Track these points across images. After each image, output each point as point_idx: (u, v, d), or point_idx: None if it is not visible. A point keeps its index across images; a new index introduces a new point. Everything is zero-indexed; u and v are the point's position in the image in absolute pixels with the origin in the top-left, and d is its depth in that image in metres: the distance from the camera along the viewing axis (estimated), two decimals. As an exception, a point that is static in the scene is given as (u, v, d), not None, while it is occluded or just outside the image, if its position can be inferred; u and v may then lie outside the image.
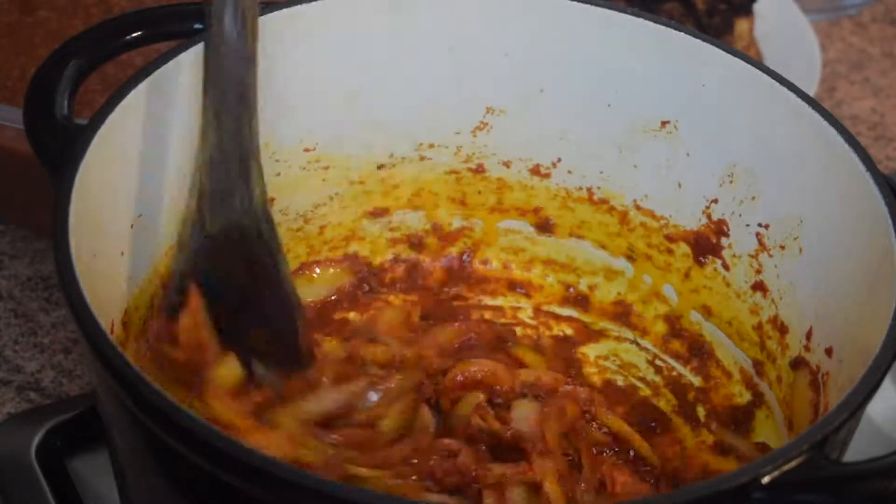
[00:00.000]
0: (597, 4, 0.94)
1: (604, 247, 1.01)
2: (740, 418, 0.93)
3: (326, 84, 0.94)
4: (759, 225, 0.93)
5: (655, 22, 0.94)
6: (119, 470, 0.81)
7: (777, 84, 0.90)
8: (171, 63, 0.85)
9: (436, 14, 0.95)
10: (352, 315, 0.99)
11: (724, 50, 0.92)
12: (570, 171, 1.00)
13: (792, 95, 0.89)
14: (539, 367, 0.95)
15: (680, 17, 1.28)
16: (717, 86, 0.93)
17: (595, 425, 0.90)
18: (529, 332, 1.01)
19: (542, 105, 0.98)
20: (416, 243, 1.02)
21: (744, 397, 0.94)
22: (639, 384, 0.98)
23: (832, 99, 1.43)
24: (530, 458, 0.83)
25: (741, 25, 1.30)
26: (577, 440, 0.88)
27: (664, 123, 0.96)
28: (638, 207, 0.99)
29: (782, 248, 0.91)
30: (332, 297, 1.00)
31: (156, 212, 0.86)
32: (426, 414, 0.87)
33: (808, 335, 0.88)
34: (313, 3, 0.92)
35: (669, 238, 0.98)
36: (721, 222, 0.95)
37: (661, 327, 1.00)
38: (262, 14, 0.89)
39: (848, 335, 0.83)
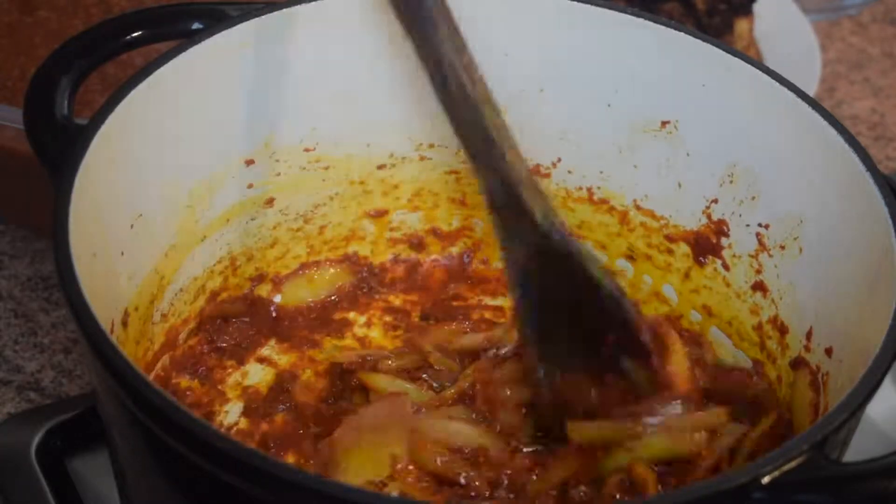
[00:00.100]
0: (597, 4, 0.94)
1: (604, 247, 1.01)
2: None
3: (326, 84, 0.94)
4: (759, 225, 0.93)
5: (655, 22, 0.94)
6: (119, 470, 0.81)
7: (777, 84, 0.90)
8: (171, 63, 0.85)
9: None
10: (352, 315, 0.99)
11: (724, 50, 0.92)
12: (570, 171, 1.00)
13: (792, 95, 0.89)
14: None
15: (680, 17, 1.28)
16: (717, 86, 0.93)
17: None
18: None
19: (542, 105, 0.98)
20: (416, 243, 1.02)
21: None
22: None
23: (832, 99, 1.43)
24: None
25: (741, 25, 1.30)
26: None
27: (664, 123, 0.96)
28: (638, 207, 0.99)
29: (782, 247, 0.91)
30: (332, 297, 1.00)
31: (156, 212, 0.86)
32: None
33: (808, 335, 0.88)
34: (313, 3, 0.92)
35: (669, 238, 0.98)
36: (721, 222, 0.95)
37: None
38: (262, 14, 0.90)
39: (848, 335, 0.83)
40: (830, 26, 1.54)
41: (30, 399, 1.02)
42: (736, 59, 0.92)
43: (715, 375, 0.92)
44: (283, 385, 0.93)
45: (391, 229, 1.01)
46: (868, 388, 0.71)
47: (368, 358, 0.92)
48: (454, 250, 1.03)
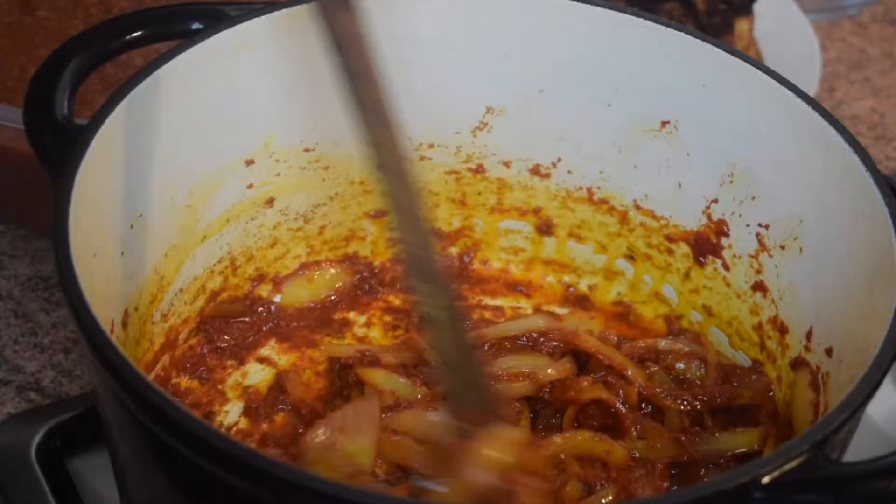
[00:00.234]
0: (597, 4, 0.94)
1: (604, 247, 1.01)
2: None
3: (327, 84, 0.94)
4: (760, 225, 0.93)
5: (655, 22, 0.94)
6: (119, 470, 0.81)
7: (777, 84, 0.90)
8: (171, 63, 0.85)
9: (435, 14, 0.95)
10: (352, 315, 0.99)
11: (724, 50, 0.92)
12: (570, 171, 1.00)
13: (792, 95, 0.89)
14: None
15: (680, 17, 1.28)
16: (717, 86, 0.93)
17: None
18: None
19: (542, 105, 0.98)
20: (415, 243, 1.02)
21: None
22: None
23: (832, 99, 1.43)
24: None
25: (741, 25, 1.30)
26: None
27: (664, 123, 0.96)
28: (638, 207, 0.99)
29: (782, 248, 0.91)
30: (332, 297, 1.00)
31: (156, 212, 0.86)
32: None
33: (808, 335, 0.88)
34: (313, 2, 0.92)
35: (669, 238, 0.98)
36: (721, 222, 0.95)
37: (661, 327, 1.00)
38: (262, 14, 0.90)
39: (848, 335, 0.83)
40: (830, 26, 1.54)
41: (30, 399, 1.02)
42: (736, 59, 0.91)
43: (717, 374, 0.92)
44: (283, 385, 0.93)
45: (391, 229, 1.01)
46: (868, 388, 0.71)
47: (367, 353, 0.92)
48: (454, 250, 1.03)
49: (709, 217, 0.96)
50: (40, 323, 1.08)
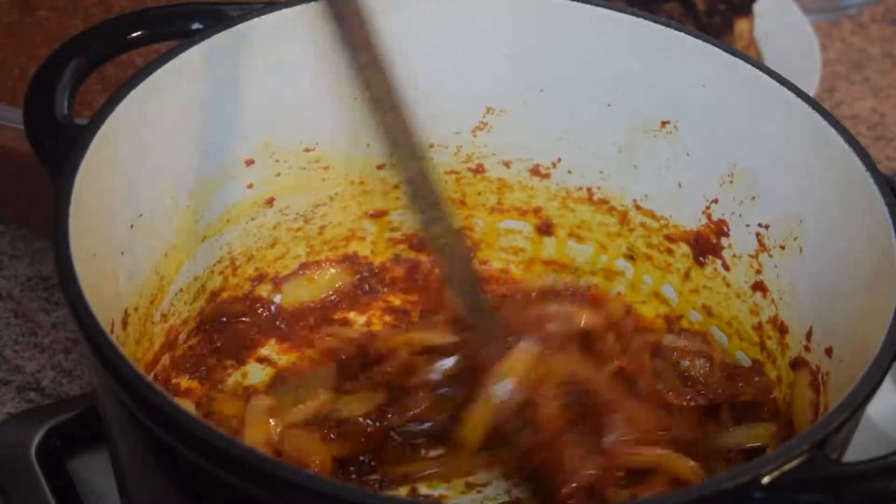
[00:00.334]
0: (597, 4, 0.94)
1: (604, 247, 1.01)
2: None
3: (327, 84, 0.94)
4: (759, 225, 0.93)
5: (655, 22, 0.94)
6: (119, 470, 0.81)
7: (777, 84, 0.90)
8: (171, 63, 0.85)
9: (435, 14, 0.95)
10: (352, 315, 0.99)
11: (724, 50, 0.92)
12: (570, 171, 1.00)
13: (792, 95, 0.89)
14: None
15: (680, 17, 1.28)
16: (717, 86, 0.93)
17: None
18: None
19: (542, 105, 0.98)
20: (416, 243, 1.02)
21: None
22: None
23: (832, 99, 1.43)
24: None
25: (741, 25, 1.30)
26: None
27: (664, 123, 0.96)
28: (638, 207, 0.99)
29: (782, 248, 0.91)
30: (332, 297, 1.00)
31: (156, 212, 0.86)
32: None
33: (808, 335, 0.88)
34: (313, 3, 0.92)
35: (669, 238, 0.98)
36: (721, 222, 0.95)
37: (661, 327, 1.00)
38: (262, 14, 0.90)
39: (848, 335, 0.83)
40: (830, 26, 1.54)
41: (30, 399, 1.02)
42: (736, 59, 0.91)
43: (721, 372, 0.92)
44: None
45: (391, 229, 1.01)
46: (868, 388, 0.71)
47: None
48: (454, 250, 1.03)
49: (709, 217, 0.96)
50: (40, 323, 1.08)
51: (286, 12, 0.90)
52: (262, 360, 0.95)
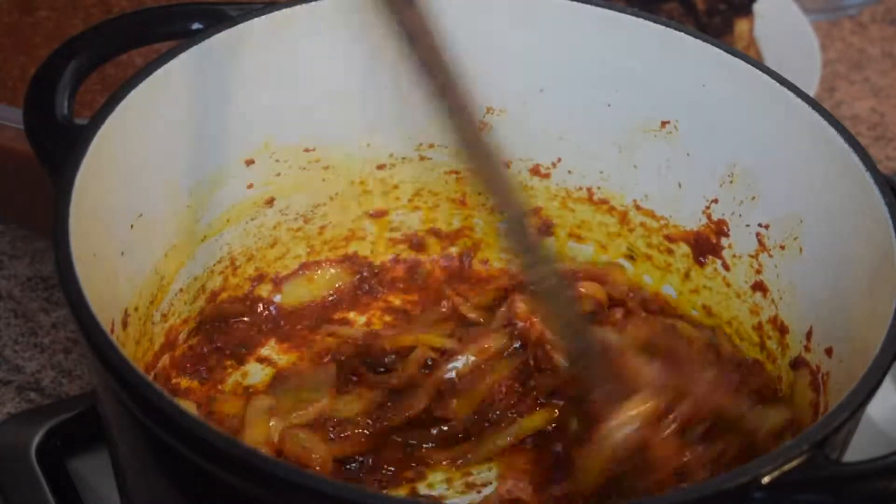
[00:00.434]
0: (597, 4, 0.94)
1: (604, 247, 1.01)
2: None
3: (326, 84, 0.94)
4: (759, 225, 0.93)
5: (655, 22, 0.94)
6: (119, 470, 0.81)
7: (777, 84, 0.90)
8: (171, 63, 0.85)
9: (435, 14, 0.95)
10: (352, 315, 0.99)
11: (724, 50, 0.92)
12: (570, 171, 1.00)
13: (792, 95, 0.89)
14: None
15: (680, 17, 1.28)
16: (717, 86, 0.93)
17: None
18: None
19: (542, 105, 0.98)
20: (416, 243, 1.02)
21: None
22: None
23: (832, 99, 1.43)
24: None
25: (741, 25, 1.30)
26: None
27: (664, 123, 0.96)
28: (638, 207, 0.99)
29: (782, 248, 0.91)
30: (332, 297, 1.00)
31: (156, 212, 0.86)
32: None
33: (808, 335, 0.88)
34: (313, 2, 0.92)
35: (669, 238, 0.98)
36: (721, 222, 0.95)
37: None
38: (262, 14, 0.90)
39: (848, 335, 0.83)
40: (830, 26, 1.54)
41: (30, 399, 1.02)
42: (736, 59, 0.91)
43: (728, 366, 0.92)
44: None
45: (391, 229, 1.01)
46: (868, 388, 0.71)
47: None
48: (454, 250, 1.03)
49: (709, 217, 0.96)
50: (40, 323, 1.08)
51: (286, 12, 0.90)
52: (262, 360, 0.95)
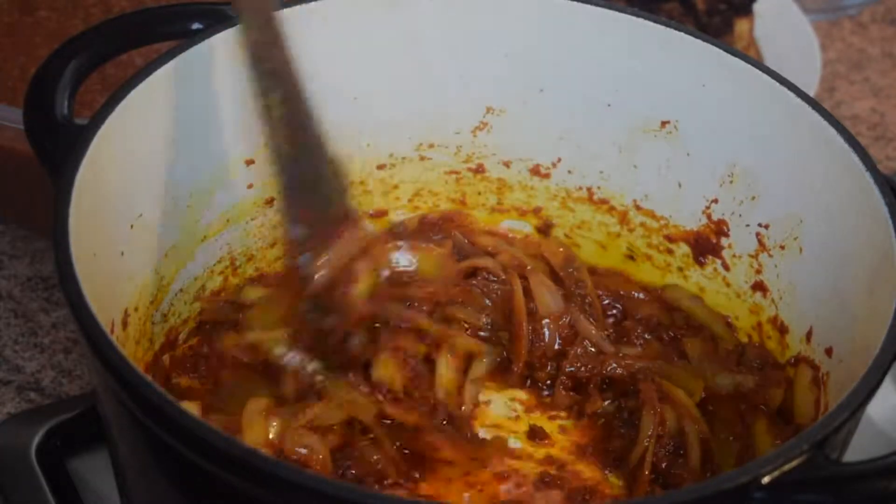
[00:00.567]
0: (597, 4, 0.94)
1: (604, 247, 1.01)
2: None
3: (326, 84, 0.94)
4: (759, 225, 0.93)
5: (655, 22, 0.94)
6: (119, 470, 0.81)
7: (777, 84, 0.90)
8: (170, 64, 0.85)
9: (436, 14, 0.95)
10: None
11: (724, 50, 0.92)
12: (570, 171, 1.00)
13: (792, 95, 0.89)
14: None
15: (680, 17, 1.28)
16: (717, 86, 0.93)
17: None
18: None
19: (542, 105, 0.98)
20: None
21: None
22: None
23: (832, 99, 1.43)
24: None
25: (741, 25, 1.30)
26: None
27: (664, 123, 0.96)
28: (638, 207, 0.99)
29: (782, 248, 0.91)
30: (332, 297, 1.00)
31: (156, 212, 0.86)
32: None
33: (808, 335, 0.88)
34: (313, 2, 0.92)
35: (669, 238, 0.98)
36: (721, 222, 0.95)
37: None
38: (262, 14, 0.89)
39: (848, 335, 0.83)
40: (830, 26, 1.54)
41: (30, 399, 1.02)
42: (736, 59, 0.91)
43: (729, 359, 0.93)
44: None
45: (391, 229, 1.01)
46: (868, 388, 0.71)
47: None
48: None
49: (709, 217, 0.96)
50: (40, 323, 1.08)
51: (286, 12, 0.90)
52: (262, 359, 0.95)
